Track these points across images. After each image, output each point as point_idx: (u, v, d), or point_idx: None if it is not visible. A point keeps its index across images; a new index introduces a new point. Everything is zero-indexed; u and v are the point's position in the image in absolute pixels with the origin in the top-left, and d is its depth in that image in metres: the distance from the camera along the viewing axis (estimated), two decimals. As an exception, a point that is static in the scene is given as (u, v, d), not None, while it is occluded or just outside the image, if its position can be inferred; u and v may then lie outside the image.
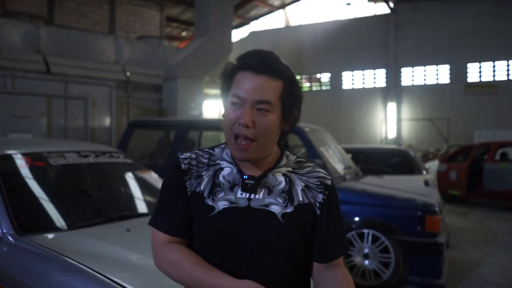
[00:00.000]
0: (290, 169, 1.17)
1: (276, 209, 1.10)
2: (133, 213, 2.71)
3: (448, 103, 18.86)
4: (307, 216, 1.13)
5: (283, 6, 23.77)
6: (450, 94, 18.85)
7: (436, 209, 3.94)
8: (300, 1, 23.30)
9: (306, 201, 1.13)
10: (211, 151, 1.20)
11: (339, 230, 1.18)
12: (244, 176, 1.13)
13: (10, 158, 2.59)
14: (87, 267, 1.78)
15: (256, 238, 1.08)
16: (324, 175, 1.18)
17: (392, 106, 19.94)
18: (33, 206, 2.42)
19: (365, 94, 20.79)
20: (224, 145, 1.20)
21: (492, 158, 9.28)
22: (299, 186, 1.15)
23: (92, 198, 2.84)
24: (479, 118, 17.94)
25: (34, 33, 9.11)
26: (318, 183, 1.16)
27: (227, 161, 1.16)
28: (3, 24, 8.76)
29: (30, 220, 2.28)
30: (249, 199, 1.11)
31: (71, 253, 1.90)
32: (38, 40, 9.11)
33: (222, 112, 1.12)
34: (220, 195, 1.12)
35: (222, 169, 1.15)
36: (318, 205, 1.14)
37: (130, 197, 3.02)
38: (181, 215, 1.14)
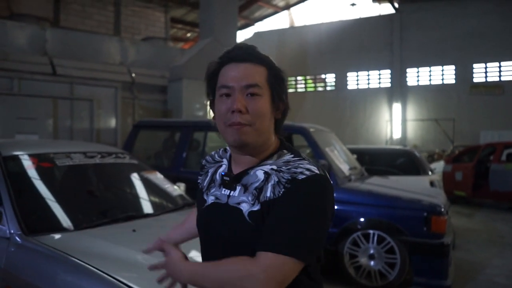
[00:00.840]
0: (275, 167, 1.08)
1: (244, 207, 1.06)
2: (139, 214, 2.72)
3: (453, 103, 18.76)
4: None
5: (287, 7, 23.77)
6: (456, 94, 18.75)
7: (442, 209, 3.92)
8: (304, 2, 23.29)
9: (272, 197, 1.03)
10: (227, 149, 1.24)
11: (277, 226, 0.98)
12: (222, 173, 1.17)
13: (17, 159, 2.61)
14: (93, 267, 1.79)
15: (227, 235, 1.08)
16: (304, 170, 1.03)
17: (397, 106, 19.87)
18: (40, 206, 2.44)
19: (370, 95, 20.73)
20: None
21: (498, 159, 9.22)
22: (271, 182, 1.05)
23: (98, 199, 2.85)
24: (485, 119, 17.83)
25: (40, 35, 9.16)
26: (289, 177, 1.03)
27: (226, 158, 1.22)
28: (9, 27, 8.82)
29: (37, 220, 2.30)
30: (228, 196, 1.12)
31: (78, 253, 1.91)
32: (44, 42, 9.16)
33: (213, 114, 1.14)
34: (212, 190, 1.18)
35: (221, 166, 1.22)
36: (278, 198, 1.04)
37: (136, 198, 3.03)
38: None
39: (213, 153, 1.30)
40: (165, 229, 2.56)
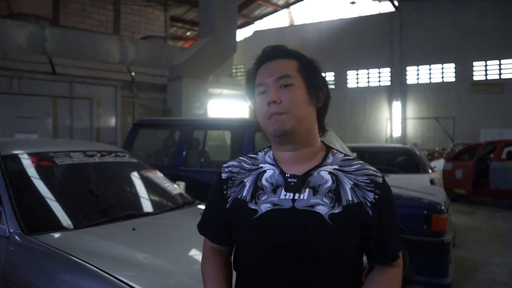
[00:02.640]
0: (337, 166, 1.11)
1: (322, 209, 1.04)
2: (139, 212, 2.71)
3: (453, 101, 18.76)
4: (357, 217, 1.05)
5: (287, 5, 23.75)
6: (456, 92, 18.75)
7: (442, 207, 3.92)
8: (304, 0, 23.27)
9: (356, 201, 1.06)
10: (254, 155, 1.20)
11: (393, 232, 1.10)
12: (286, 175, 1.10)
13: (16, 158, 2.60)
14: (93, 266, 1.78)
15: (301, 242, 1.03)
16: (374, 172, 1.10)
17: (397, 104, 19.87)
18: (40, 205, 2.44)
19: (370, 93, 20.73)
20: (267, 148, 1.20)
21: (498, 157, 9.21)
22: (347, 184, 1.07)
23: (98, 198, 2.85)
24: (485, 117, 17.84)
25: (39, 34, 9.15)
26: (368, 181, 1.08)
27: (269, 163, 1.15)
28: (9, 26, 8.81)
29: (36, 219, 2.29)
30: (293, 200, 1.06)
31: (77, 252, 1.91)
32: (43, 41, 9.15)
33: (256, 116, 1.15)
34: (263, 198, 1.09)
35: (264, 172, 1.14)
36: (369, 205, 1.06)
37: (136, 197, 3.03)
38: (219, 223, 1.18)
39: (234, 162, 1.21)
40: (164, 227, 2.57)
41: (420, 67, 19.72)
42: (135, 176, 3.18)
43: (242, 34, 23.93)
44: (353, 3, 21.84)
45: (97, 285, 1.71)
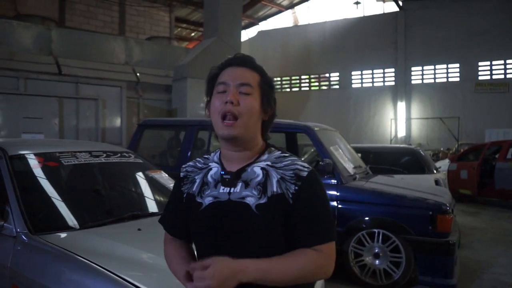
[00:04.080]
0: (269, 163, 1.22)
1: (250, 200, 1.17)
2: (144, 213, 2.73)
3: (458, 101, 18.66)
4: (280, 205, 1.15)
5: (291, 5, 23.74)
6: (461, 92, 18.66)
7: (448, 208, 3.91)
8: (308, 1, 23.24)
9: (279, 192, 1.16)
10: (208, 156, 1.36)
11: (314, 219, 1.16)
12: (221, 172, 1.24)
13: (23, 158, 2.62)
14: (99, 266, 1.80)
15: (236, 229, 1.16)
16: (301, 167, 1.19)
17: (401, 105, 19.80)
18: (46, 205, 2.45)
19: (374, 93, 20.67)
20: (219, 149, 1.33)
21: (503, 157, 9.16)
22: (275, 178, 1.19)
23: (103, 198, 2.86)
24: (490, 117, 17.73)
25: (45, 35, 9.21)
26: (292, 175, 1.18)
27: (215, 162, 1.30)
28: (15, 27, 8.87)
29: (43, 219, 2.31)
30: (229, 193, 1.20)
31: (83, 252, 1.92)
32: (49, 42, 9.21)
33: (208, 113, 1.27)
34: (207, 192, 1.24)
35: (210, 169, 1.29)
36: (290, 195, 1.16)
37: (141, 197, 3.04)
38: (177, 217, 1.34)
39: (191, 163, 1.37)
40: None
41: (424, 67, 19.63)
42: (140, 177, 3.19)
43: (246, 34, 23.94)
44: (357, 3, 21.78)
45: (103, 284, 1.72)
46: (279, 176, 1.19)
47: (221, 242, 1.19)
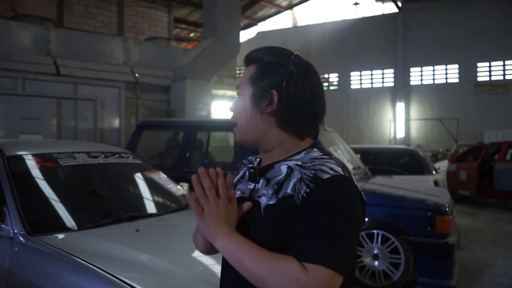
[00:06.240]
0: (300, 162, 1.06)
1: (263, 200, 1.06)
2: (142, 214, 2.72)
3: (457, 102, 18.69)
4: (287, 209, 0.99)
5: (290, 6, 23.75)
6: (460, 93, 18.68)
7: (447, 209, 3.90)
8: (307, 2, 23.26)
9: (291, 193, 1.00)
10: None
11: (315, 232, 0.93)
12: (249, 165, 1.19)
13: (21, 159, 2.61)
14: (96, 267, 1.79)
15: (243, 229, 1.04)
16: (327, 169, 1.00)
17: (400, 106, 19.82)
18: (44, 206, 2.44)
19: (373, 94, 20.69)
20: None
21: (502, 158, 9.17)
22: (294, 178, 1.03)
23: (101, 199, 2.85)
24: (489, 118, 17.76)
25: (44, 36, 9.19)
26: (311, 175, 1.00)
27: (260, 158, 1.23)
28: (13, 27, 8.85)
29: (40, 220, 2.30)
30: (253, 189, 1.12)
31: (81, 253, 1.91)
32: (48, 43, 9.19)
33: None
34: (239, 186, 1.19)
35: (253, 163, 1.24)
36: (300, 198, 0.98)
37: (139, 198, 3.03)
38: None
39: (250, 157, 1.31)
40: (168, 229, 2.57)
41: (423, 68, 19.66)
42: (138, 177, 3.18)
43: (245, 35, 23.94)
44: (356, 4, 21.81)
45: (101, 286, 1.71)
46: (299, 176, 1.02)
47: None
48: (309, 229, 0.94)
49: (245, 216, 1.07)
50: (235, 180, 1.23)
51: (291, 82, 1.07)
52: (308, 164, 1.04)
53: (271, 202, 1.03)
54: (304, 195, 0.97)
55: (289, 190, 1.01)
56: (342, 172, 1.00)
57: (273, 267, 0.91)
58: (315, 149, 1.10)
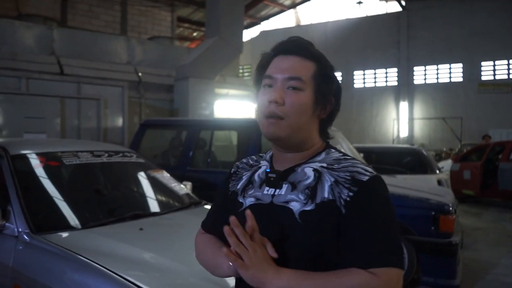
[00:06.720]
0: (324, 164, 1.04)
1: (295, 206, 1.00)
2: (146, 212, 2.72)
3: (461, 101, 18.62)
4: (329, 215, 0.97)
5: (293, 5, 23.71)
6: (463, 92, 18.61)
7: (450, 208, 3.89)
8: (310, 1, 23.22)
9: (330, 198, 0.98)
10: (262, 154, 1.22)
11: (369, 236, 0.94)
12: (267, 170, 1.10)
13: (25, 158, 2.62)
14: (100, 265, 1.79)
15: (274, 238, 0.99)
16: (362, 170, 1.00)
17: (404, 105, 19.76)
18: (48, 205, 2.45)
19: (377, 93, 20.64)
20: None
21: (506, 158, 9.13)
22: (328, 181, 1.00)
23: (105, 197, 2.86)
24: (493, 117, 17.68)
25: (47, 35, 9.22)
26: (349, 177, 0.99)
27: (266, 160, 1.16)
28: (17, 27, 8.88)
29: (44, 219, 2.31)
30: (273, 195, 1.05)
31: (85, 251, 1.92)
32: (51, 42, 9.22)
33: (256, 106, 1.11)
34: (250, 192, 1.11)
35: (259, 168, 1.16)
36: (343, 203, 0.96)
37: (143, 196, 3.04)
38: (217, 213, 1.21)
39: (244, 160, 1.24)
40: (171, 227, 2.58)
41: (427, 67, 19.59)
42: (142, 176, 3.19)
43: (248, 34, 23.93)
44: (360, 3, 21.75)
45: (104, 284, 1.72)
46: (333, 179, 1.00)
47: None
48: (365, 234, 0.94)
49: (275, 225, 1.01)
50: (239, 186, 1.16)
51: (341, 93, 1.10)
52: (336, 165, 1.03)
53: (307, 208, 0.99)
54: (348, 199, 0.96)
55: (326, 195, 0.99)
56: (374, 171, 1.02)
57: (344, 286, 0.90)
58: (332, 150, 1.10)
